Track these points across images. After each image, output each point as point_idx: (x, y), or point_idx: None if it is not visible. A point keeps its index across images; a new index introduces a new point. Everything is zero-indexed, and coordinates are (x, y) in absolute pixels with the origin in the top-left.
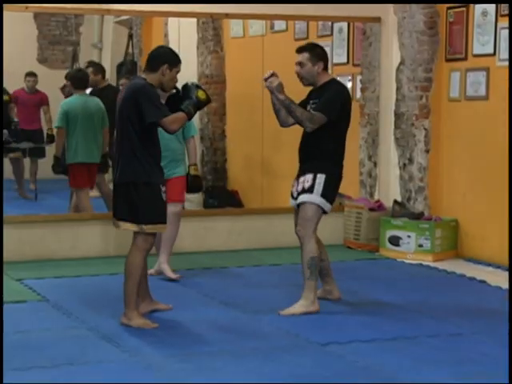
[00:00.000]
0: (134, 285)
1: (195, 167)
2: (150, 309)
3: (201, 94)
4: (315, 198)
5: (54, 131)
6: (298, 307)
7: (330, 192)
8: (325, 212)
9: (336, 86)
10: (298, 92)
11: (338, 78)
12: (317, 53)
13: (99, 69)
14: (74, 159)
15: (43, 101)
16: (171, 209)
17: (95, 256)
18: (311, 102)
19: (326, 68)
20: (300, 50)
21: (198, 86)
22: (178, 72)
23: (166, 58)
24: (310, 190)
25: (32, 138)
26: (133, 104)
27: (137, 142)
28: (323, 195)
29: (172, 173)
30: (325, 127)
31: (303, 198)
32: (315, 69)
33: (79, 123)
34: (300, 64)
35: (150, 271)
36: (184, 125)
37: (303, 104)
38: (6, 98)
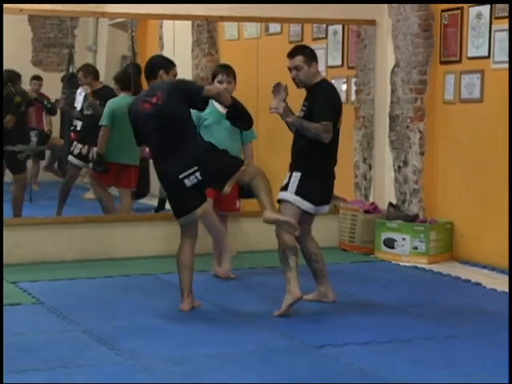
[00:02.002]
0: (182, 273)
1: None
2: (193, 305)
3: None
4: (289, 195)
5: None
6: (285, 302)
7: (309, 190)
8: (307, 212)
9: (328, 88)
10: (293, 93)
11: (333, 81)
12: (309, 54)
13: (90, 70)
14: (112, 158)
15: None
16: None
17: (90, 259)
18: (306, 104)
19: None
20: (292, 55)
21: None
22: (175, 75)
23: (161, 64)
24: (285, 187)
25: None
26: (178, 97)
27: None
28: (298, 193)
29: None
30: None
31: (278, 195)
32: (311, 70)
33: (122, 123)
34: (296, 68)
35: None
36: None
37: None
38: (18, 99)
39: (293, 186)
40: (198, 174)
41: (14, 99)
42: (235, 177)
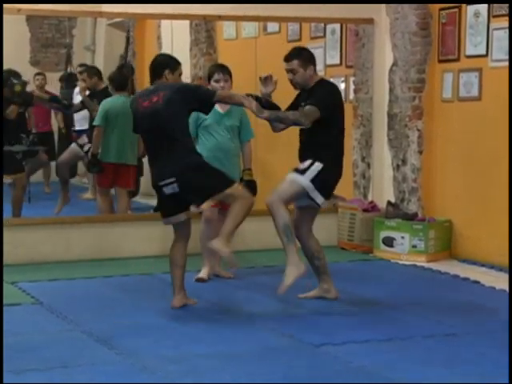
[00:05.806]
0: (173, 271)
1: (250, 172)
2: (184, 303)
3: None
4: (303, 180)
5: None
6: (289, 276)
7: (322, 183)
8: (317, 205)
9: (327, 85)
10: (291, 92)
11: (332, 80)
12: (305, 57)
13: (94, 72)
14: (106, 158)
15: None
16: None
17: (89, 259)
18: (303, 104)
19: (315, 69)
20: (288, 59)
21: None
22: (180, 74)
23: (167, 63)
24: (303, 171)
25: (45, 141)
26: (180, 102)
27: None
28: (313, 181)
29: None
30: (319, 125)
31: (292, 175)
32: (308, 73)
33: (117, 123)
34: (292, 71)
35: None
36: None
37: (293, 106)
38: (18, 87)
39: (311, 173)
40: (175, 185)
41: (15, 88)
42: (218, 197)
